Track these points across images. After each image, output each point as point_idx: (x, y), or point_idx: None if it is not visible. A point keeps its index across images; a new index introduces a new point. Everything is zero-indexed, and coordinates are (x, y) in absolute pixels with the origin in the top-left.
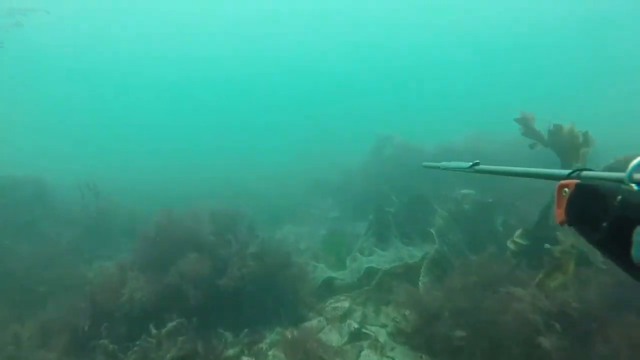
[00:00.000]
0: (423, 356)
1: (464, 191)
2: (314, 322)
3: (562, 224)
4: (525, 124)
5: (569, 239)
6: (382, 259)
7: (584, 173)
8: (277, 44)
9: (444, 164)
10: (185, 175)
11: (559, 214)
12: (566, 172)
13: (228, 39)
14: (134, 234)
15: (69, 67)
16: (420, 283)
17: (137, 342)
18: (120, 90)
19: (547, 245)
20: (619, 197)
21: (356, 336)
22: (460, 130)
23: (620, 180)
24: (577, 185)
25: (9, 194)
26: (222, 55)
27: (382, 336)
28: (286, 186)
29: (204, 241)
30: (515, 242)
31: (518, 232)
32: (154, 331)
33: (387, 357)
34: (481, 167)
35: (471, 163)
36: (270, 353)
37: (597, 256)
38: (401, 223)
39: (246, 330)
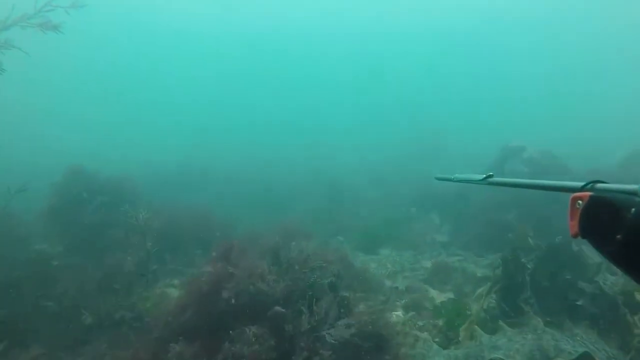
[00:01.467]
0: None
1: None
2: None
3: (575, 236)
4: None
5: None
6: (513, 346)
7: (598, 185)
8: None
9: (456, 176)
10: (275, 165)
11: (572, 226)
12: (580, 184)
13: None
14: (208, 245)
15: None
16: None
17: None
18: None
19: None
20: (633, 209)
21: None
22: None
23: (634, 193)
24: (590, 197)
25: (89, 198)
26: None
27: None
28: (387, 192)
29: (269, 312)
30: None
31: None
32: None
33: None
34: (494, 179)
35: (484, 175)
36: None
37: None
38: (541, 285)
39: None
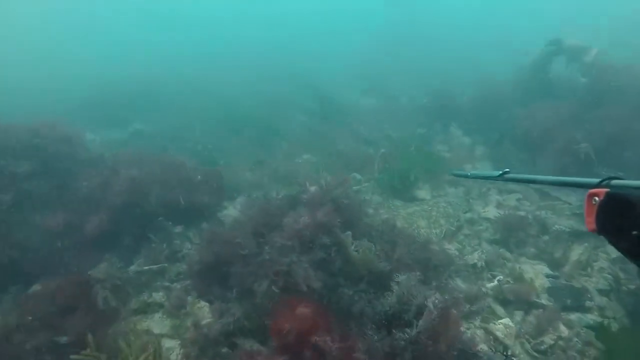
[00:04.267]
0: None
1: None
2: None
3: (592, 231)
4: None
5: None
6: None
7: (614, 182)
8: None
9: (472, 172)
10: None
11: (588, 222)
12: (596, 180)
13: None
14: (191, 215)
15: None
16: None
17: None
18: None
19: None
20: None
21: None
22: None
23: None
24: (607, 194)
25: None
26: None
27: None
28: (387, 103)
29: None
30: None
31: None
32: None
33: None
34: (510, 175)
35: (500, 172)
36: None
37: None
38: None
39: None
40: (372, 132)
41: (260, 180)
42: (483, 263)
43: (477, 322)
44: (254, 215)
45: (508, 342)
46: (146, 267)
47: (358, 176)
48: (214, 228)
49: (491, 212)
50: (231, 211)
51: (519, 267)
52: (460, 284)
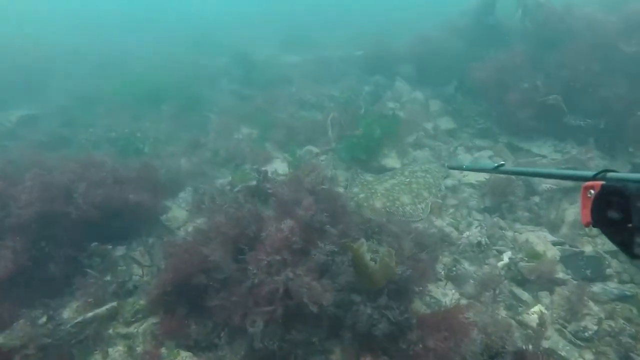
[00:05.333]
0: None
1: None
2: None
3: (587, 225)
4: None
5: None
6: None
7: (609, 174)
8: None
9: (467, 165)
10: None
11: (584, 214)
12: (591, 173)
13: None
14: (133, 227)
15: None
16: None
17: None
18: None
19: None
20: None
21: None
22: None
23: None
24: (602, 186)
25: None
26: None
27: None
28: (315, 57)
29: None
30: None
31: None
32: None
33: None
34: (505, 168)
35: (496, 164)
36: None
37: None
38: None
39: None
40: (313, 94)
41: (200, 166)
42: (486, 239)
43: (503, 312)
44: (221, 224)
45: (546, 332)
46: (90, 314)
47: (314, 149)
48: (168, 239)
49: (471, 175)
50: (177, 212)
51: (527, 239)
52: (468, 267)
